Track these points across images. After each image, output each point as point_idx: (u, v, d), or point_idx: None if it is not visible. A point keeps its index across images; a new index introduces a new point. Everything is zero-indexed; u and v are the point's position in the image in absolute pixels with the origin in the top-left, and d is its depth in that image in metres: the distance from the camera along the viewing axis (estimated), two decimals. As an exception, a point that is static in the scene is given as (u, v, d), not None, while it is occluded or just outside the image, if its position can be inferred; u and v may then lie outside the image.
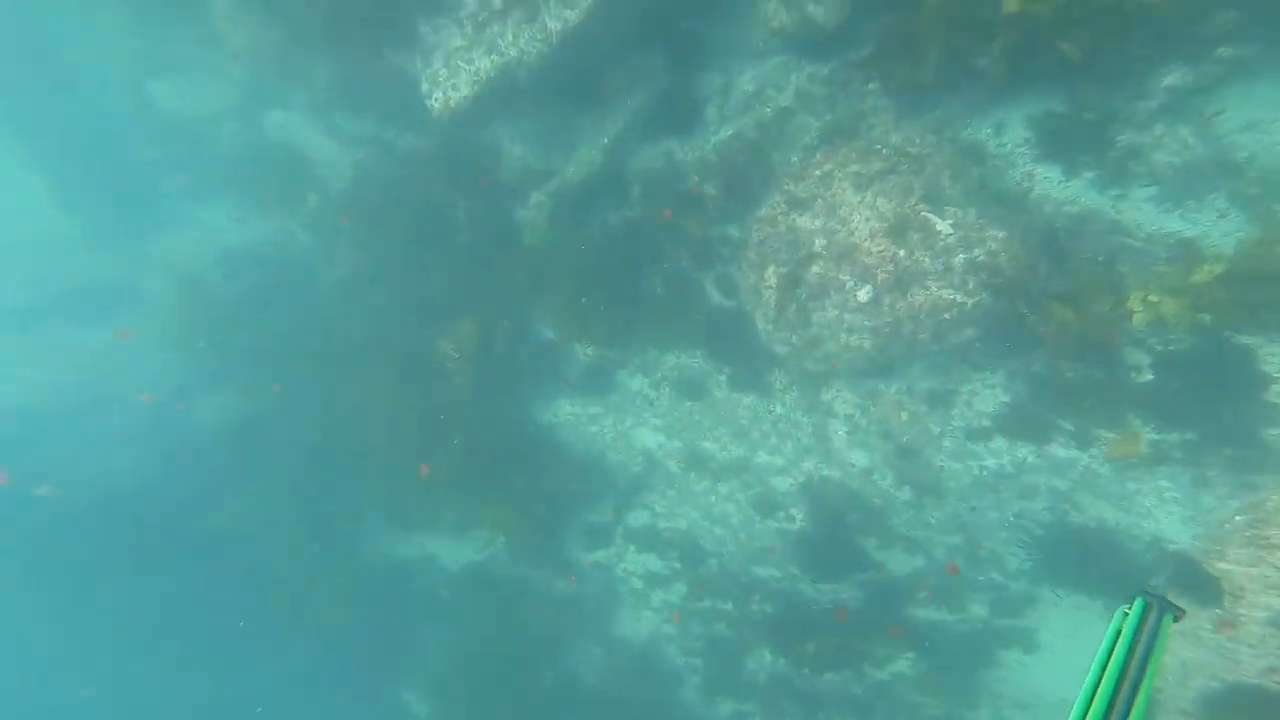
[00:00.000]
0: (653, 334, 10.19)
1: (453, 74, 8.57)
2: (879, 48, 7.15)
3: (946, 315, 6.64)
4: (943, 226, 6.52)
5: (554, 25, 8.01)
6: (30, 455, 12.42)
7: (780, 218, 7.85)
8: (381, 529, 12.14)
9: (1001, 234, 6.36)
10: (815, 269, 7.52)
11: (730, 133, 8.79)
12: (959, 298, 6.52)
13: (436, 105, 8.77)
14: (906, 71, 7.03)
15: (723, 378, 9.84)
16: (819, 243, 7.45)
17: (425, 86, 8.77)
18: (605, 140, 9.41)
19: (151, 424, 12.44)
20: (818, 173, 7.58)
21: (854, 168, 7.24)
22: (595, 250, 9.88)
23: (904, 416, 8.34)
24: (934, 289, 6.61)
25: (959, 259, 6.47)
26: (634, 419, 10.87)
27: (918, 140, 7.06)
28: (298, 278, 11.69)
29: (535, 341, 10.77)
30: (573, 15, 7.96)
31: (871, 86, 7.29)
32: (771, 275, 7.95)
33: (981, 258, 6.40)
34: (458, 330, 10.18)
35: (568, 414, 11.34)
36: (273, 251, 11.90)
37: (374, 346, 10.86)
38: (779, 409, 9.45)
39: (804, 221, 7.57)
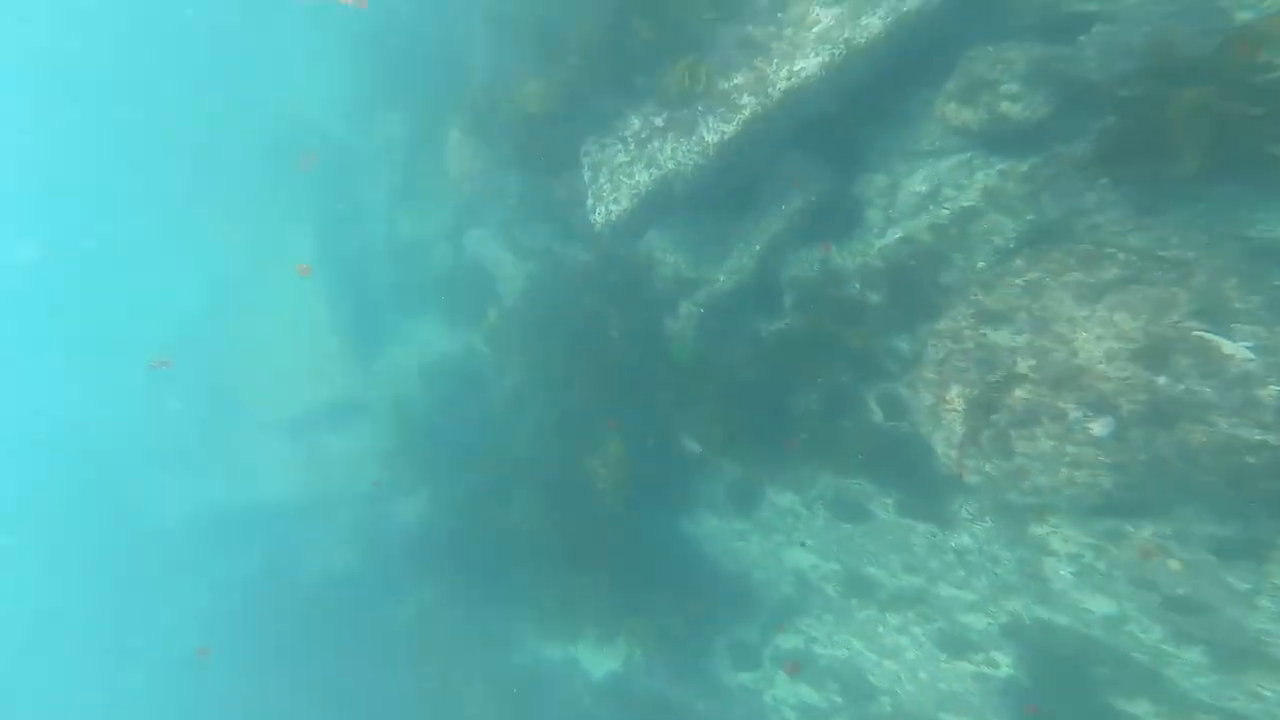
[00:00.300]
0: (804, 453, 8.25)
1: (615, 188, 7.87)
2: (1108, 144, 5.12)
3: (1250, 459, 4.09)
4: (1234, 350, 4.13)
5: (711, 138, 7.03)
6: (280, 546, 13.27)
7: (967, 332, 5.80)
8: (531, 632, 11.01)
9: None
10: (1020, 393, 5.32)
11: (898, 236, 7.02)
12: (1273, 439, 3.97)
13: (599, 219, 8.08)
14: (1150, 166, 4.89)
15: (889, 501, 7.64)
16: (1024, 363, 5.29)
17: (590, 201, 8.16)
18: (757, 247, 8.08)
19: (364, 521, 12.71)
20: (1019, 281, 5.51)
21: (1074, 275, 5.10)
22: (743, 362, 8.37)
23: (1174, 566, 5.50)
24: (1225, 426, 4.14)
25: (1270, 391, 3.98)
26: (783, 537, 8.87)
27: (1174, 241, 4.79)
28: (477, 389, 11.49)
29: (680, 456, 9.32)
30: (729, 129, 6.93)
31: (1101, 182, 5.21)
32: (956, 397, 5.85)
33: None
34: (605, 448, 9.07)
35: (712, 528, 9.60)
36: (460, 364, 11.88)
37: (532, 459, 10.12)
38: (966, 539, 6.97)
39: (1002, 338, 5.47)
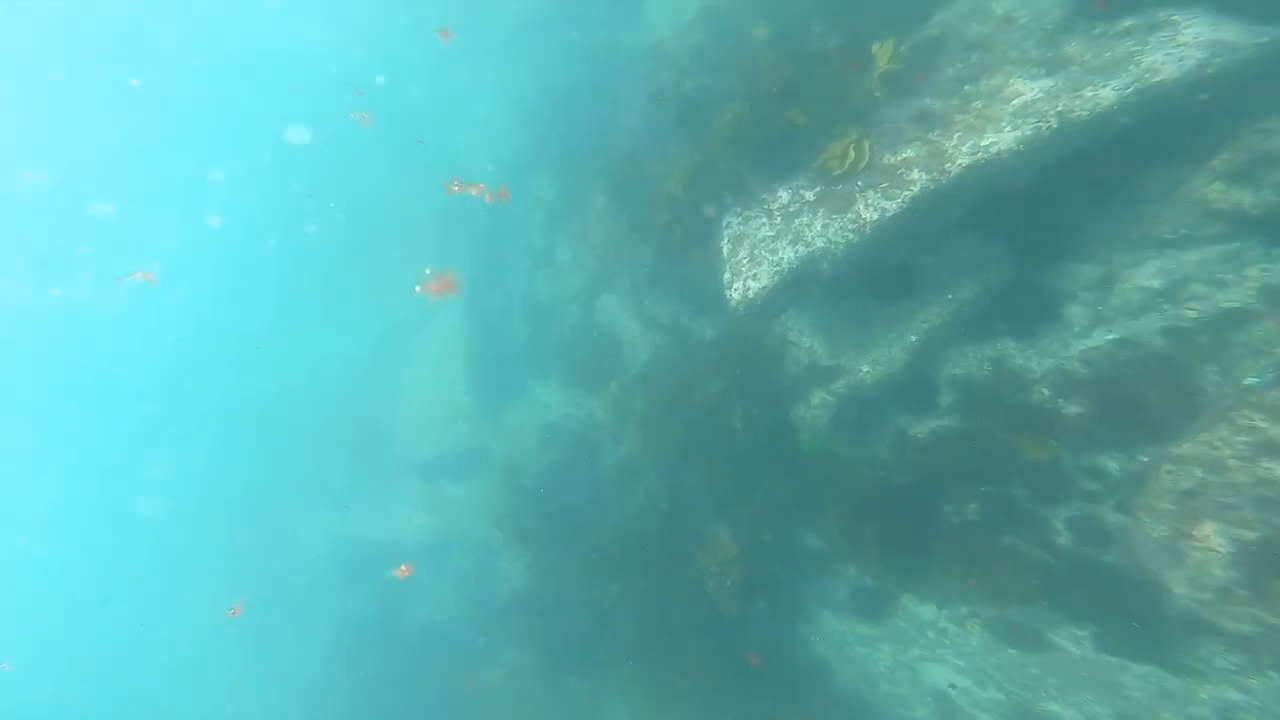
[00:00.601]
0: (953, 573, 6.68)
1: (755, 264, 7.20)
2: None
3: None
4: None
5: (869, 216, 6.15)
6: (395, 588, 13.62)
7: (1234, 463, 4.21)
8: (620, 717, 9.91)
9: None
10: None
11: (1110, 338, 5.52)
12: None
13: (735, 295, 7.42)
14: None
15: (1083, 634, 6.04)
16: None
17: (727, 276, 7.55)
18: (913, 338, 6.88)
19: (471, 572, 12.65)
20: (1325, 413, 3.87)
21: None
22: (883, 463, 7.06)
23: None
24: None
25: None
26: (923, 650, 7.17)
27: None
28: (590, 457, 11.10)
29: (801, 549, 8.01)
30: (892, 207, 6.01)
31: None
32: (1214, 535, 4.28)
33: None
34: (717, 544, 8.05)
35: (833, 630, 8.08)
36: (578, 429, 11.62)
37: (638, 537, 9.34)
38: (1234, 695, 5.10)
39: None
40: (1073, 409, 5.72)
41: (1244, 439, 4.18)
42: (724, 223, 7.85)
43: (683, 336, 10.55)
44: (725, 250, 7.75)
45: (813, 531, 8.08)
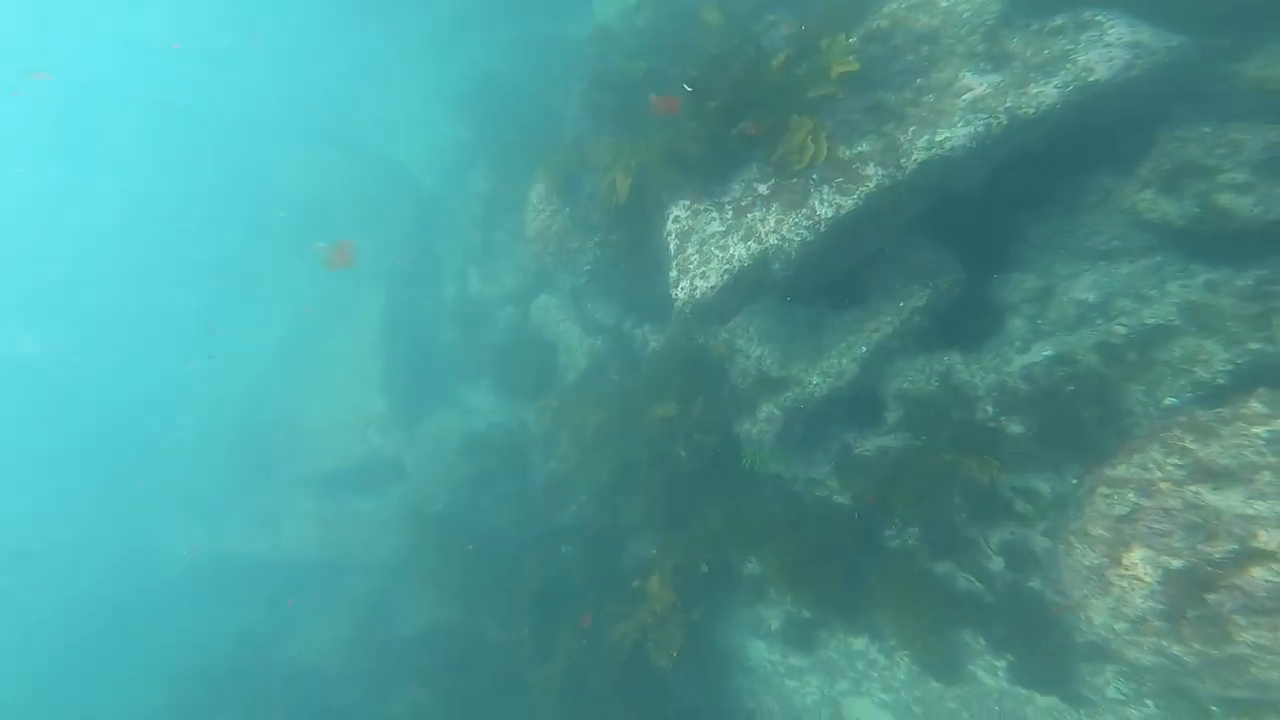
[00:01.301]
0: (892, 600, 6.68)
1: (704, 261, 7.08)
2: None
3: None
4: None
5: (824, 212, 6.18)
6: (279, 606, 12.34)
7: (1165, 486, 4.34)
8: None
9: None
10: (1258, 573, 3.76)
11: (1049, 354, 5.74)
12: None
13: (681, 295, 7.25)
14: None
15: (999, 664, 6.05)
16: (1270, 538, 3.75)
17: (673, 274, 7.38)
18: (863, 348, 6.95)
19: (368, 605, 11.60)
20: (1257, 432, 4.08)
21: (1359, 428, 3.64)
22: (825, 479, 7.05)
23: None
24: None
25: None
26: (849, 684, 7.08)
27: None
28: (518, 471, 10.52)
29: (734, 579, 7.80)
30: (847, 203, 6.07)
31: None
32: (1140, 564, 4.40)
33: None
34: (648, 581, 7.73)
35: (762, 661, 7.85)
36: (506, 438, 11.01)
37: (562, 566, 8.85)
38: None
39: (1228, 502, 3.98)
40: (1015, 428, 5.88)
41: (1175, 460, 4.32)
42: (670, 216, 7.74)
43: (625, 344, 10.32)
44: (672, 246, 7.60)
45: (749, 557, 7.91)
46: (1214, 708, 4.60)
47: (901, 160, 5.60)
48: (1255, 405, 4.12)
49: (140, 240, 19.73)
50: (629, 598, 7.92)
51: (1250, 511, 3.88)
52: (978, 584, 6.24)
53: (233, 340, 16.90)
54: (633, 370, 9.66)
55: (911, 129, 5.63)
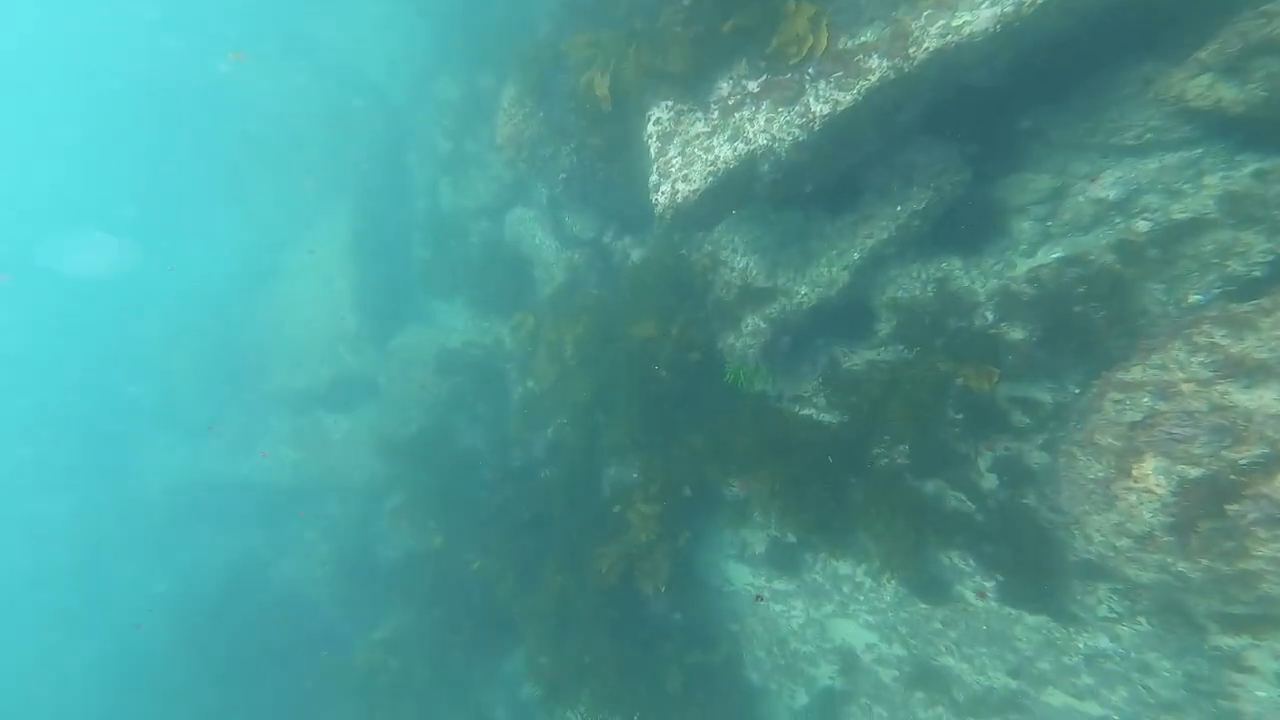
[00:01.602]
0: (878, 522, 6.65)
1: (687, 164, 6.49)
2: None
3: None
4: None
5: (819, 109, 5.57)
6: (261, 531, 12.34)
7: (1188, 388, 4.10)
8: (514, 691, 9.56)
9: None
10: None
11: (1059, 255, 5.37)
12: None
13: (662, 200, 6.71)
14: None
15: (989, 585, 6.15)
16: None
17: (654, 178, 6.80)
18: (856, 255, 6.53)
19: (350, 528, 11.58)
20: None
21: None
22: (813, 400, 6.84)
23: None
24: None
25: None
26: (835, 607, 7.26)
27: None
28: (494, 389, 10.23)
29: (716, 501, 7.78)
30: (846, 99, 5.44)
31: None
32: (1153, 474, 4.25)
33: None
34: (631, 508, 7.63)
35: (746, 585, 8.03)
36: (483, 358, 10.64)
37: (544, 484, 8.73)
38: (1105, 643, 5.50)
39: (1260, 400, 3.76)
40: (1016, 334, 5.60)
41: (1201, 358, 4.06)
42: (651, 118, 7.05)
43: (605, 257, 9.81)
44: (653, 149, 6.97)
45: (734, 479, 7.85)
46: (1211, 624, 4.61)
47: (911, 50, 4.95)
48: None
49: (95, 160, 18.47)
50: (612, 524, 7.93)
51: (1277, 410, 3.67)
52: (968, 502, 6.18)
53: (196, 259, 16.20)
54: (612, 283, 9.22)
55: (926, 13, 4.93)
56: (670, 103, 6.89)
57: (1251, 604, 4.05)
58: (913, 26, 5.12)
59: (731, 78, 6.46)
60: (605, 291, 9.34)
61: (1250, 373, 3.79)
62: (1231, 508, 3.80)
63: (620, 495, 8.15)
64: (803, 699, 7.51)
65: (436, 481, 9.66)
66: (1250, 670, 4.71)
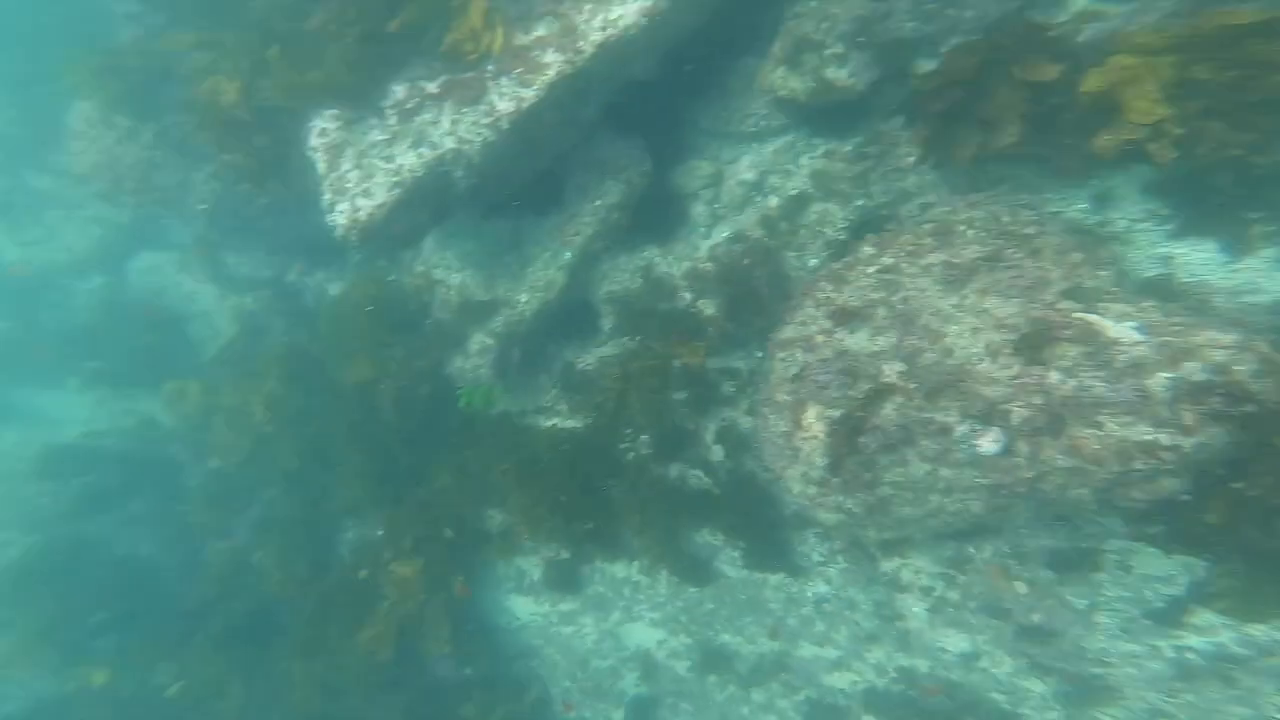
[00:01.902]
0: (638, 512, 6.79)
1: (366, 177, 5.81)
2: (926, 111, 4.94)
3: (1138, 465, 3.81)
4: (1120, 332, 3.90)
5: (504, 107, 5.52)
6: None
7: (820, 338, 5.00)
8: None
9: (1230, 337, 3.74)
10: (890, 408, 4.57)
11: (726, 234, 6.31)
12: (1164, 439, 3.72)
13: (342, 220, 5.89)
14: (971, 137, 4.79)
15: (736, 554, 6.52)
16: (891, 370, 4.63)
17: (327, 198, 5.92)
18: (568, 255, 6.72)
19: None
20: (870, 271, 4.99)
21: (934, 257, 4.70)
22: (555, 408, 6.83)
23: (1021, 589, 5.26)
24: (1114, 427, 3.83)
25: (1159, 380, 3.76)
26: (621, 614, 7.28)
27: (1006, 219, 4.68)
28: (159, 478, 7.80)
29: (481, 536, 7.23)
30: (529, 95, 5.50)
31: (916, 159, 5.00)
32: (814, 420, 4.85)
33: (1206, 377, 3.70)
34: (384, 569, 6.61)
35: (532, 615, 7.63)
36: (125, 443, 7.97)
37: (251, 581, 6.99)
38: (822, 587, 6.18)
39: (859, 341, 4.79)
40: (709, 310, 6.38)
41: (823, 312, 4.99)
42: (314, 129, 6.14)
43: (293, 298, 8.29)
44: (321, 164, 6.07)
45: (490, 510, 7.37)
46: (877, 552, 5.55)
47: (580, 44, 5.22)
48: (866, 249, 5.06)
49: None
50: (360, 591, 6.75)
51: (875, 347, 4.68)
52: (705, 478, 6.44)
53: None
54: (308, 327, 7.85)
55: (587, 8, 5.25)
56: (336, 111, 6.10)
57: (894, 527, 4.84)
58: (578, 21, 5.41)
59: (407, 80, 5.99)
60: (299, 337, 7.89)
61: (851, 318, 4.79)
62: (860, 440, 4.47)
63: (366, 558, 6.98)
64: (618, 719, 7.39)
65: (66, 606, 6.88)
66: (907, 589, 5.55)
